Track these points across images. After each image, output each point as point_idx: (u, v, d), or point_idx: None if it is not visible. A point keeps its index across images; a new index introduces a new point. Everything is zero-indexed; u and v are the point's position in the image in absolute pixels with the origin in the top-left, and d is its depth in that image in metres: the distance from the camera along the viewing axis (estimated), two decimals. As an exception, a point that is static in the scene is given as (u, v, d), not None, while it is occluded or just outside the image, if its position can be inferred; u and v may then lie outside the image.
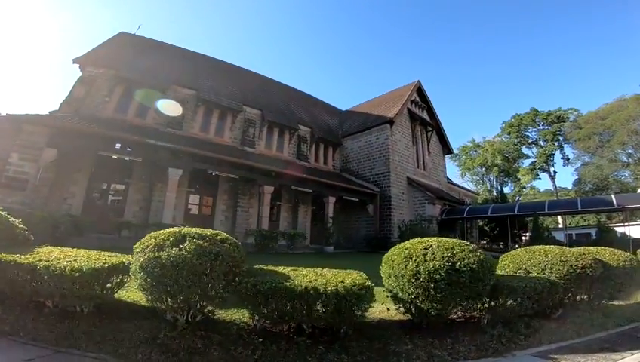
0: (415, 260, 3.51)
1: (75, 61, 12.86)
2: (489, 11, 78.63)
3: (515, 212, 17.49)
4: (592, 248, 5.47)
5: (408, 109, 21.21)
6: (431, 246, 3.59)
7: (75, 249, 4.00)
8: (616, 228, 30.50)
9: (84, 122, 10.68)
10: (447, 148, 24.57)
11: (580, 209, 16.61)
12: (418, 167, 21.27)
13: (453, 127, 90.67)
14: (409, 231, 15.72)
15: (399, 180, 19.06)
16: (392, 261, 3.78)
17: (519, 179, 41.82)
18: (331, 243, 15.16)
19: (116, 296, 3.86)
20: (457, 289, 3.38)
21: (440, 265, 3.36)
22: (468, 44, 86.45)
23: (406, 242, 3.93)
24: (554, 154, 41.98)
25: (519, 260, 4.83)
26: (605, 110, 37.83)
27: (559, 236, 29.24)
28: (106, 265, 3.29)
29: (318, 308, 2.99)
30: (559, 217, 39.69)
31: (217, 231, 3.50)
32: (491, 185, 41.13)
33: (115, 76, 13.24)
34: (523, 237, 22.25)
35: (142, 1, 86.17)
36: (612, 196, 16.78)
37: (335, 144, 21.02)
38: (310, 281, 3.10)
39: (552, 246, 4.95)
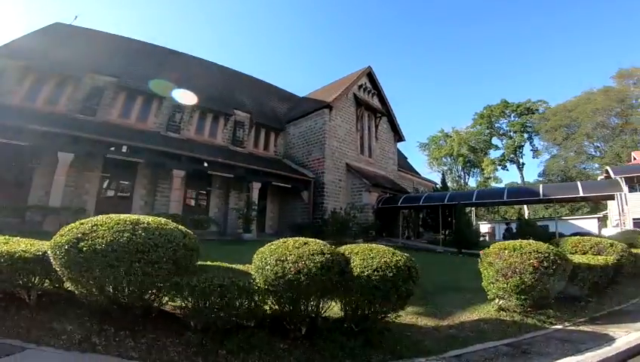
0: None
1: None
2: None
3: (445, 201, 17.59)
4: (353, 246, 4.12)
5: (355, 95, 21.01)
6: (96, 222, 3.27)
7: None
8: (573, 222, 30.84)
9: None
10: (398, 136, 24.42)
11: (505, 199, 16.81)
12: (362, 153, 21.13)
13: (433, 118, 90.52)
14: (331, 220, 15.82)
15: (337, 166, 18.96)
16: None
17: (484, 170, 42.19)
18: (251, 230, 15.20)
19: None
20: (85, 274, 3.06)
21: (65, 241, 3.07)
22: (453, 29, 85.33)
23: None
24: (523, 146, 42.34)
25: (261, 256, 3.71)
26: (573, 103, 38.06)
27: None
28: None
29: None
30: (525, 207, 40.28)
31: None
32: (458, 176, 41.48)
33: (25, 66, 13.10)
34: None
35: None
36: (540, 186, 16.92)
37: (277, 130, 20.85)
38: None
39: (301, 238, 3.81)
